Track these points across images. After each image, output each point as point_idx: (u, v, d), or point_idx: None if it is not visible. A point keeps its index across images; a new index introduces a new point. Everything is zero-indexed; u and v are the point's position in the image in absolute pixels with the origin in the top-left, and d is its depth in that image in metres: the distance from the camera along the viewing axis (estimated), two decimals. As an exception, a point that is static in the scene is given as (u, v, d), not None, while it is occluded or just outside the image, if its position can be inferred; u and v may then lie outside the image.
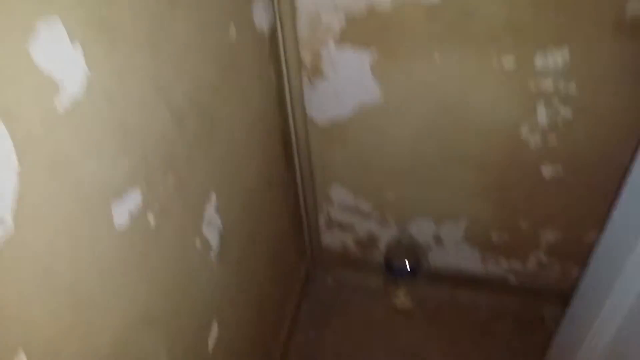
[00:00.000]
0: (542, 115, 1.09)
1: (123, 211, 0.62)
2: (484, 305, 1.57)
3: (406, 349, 1.48)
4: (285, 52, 1.10)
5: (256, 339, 1.23)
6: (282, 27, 1.06)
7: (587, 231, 1.30)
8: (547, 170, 1.19)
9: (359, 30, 1.06)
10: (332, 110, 1.21)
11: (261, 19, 1.02)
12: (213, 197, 0.87)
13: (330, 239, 1.56)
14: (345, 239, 1.54)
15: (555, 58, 1.00)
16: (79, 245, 0.56)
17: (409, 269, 1.43)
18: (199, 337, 0.91)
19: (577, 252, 1.37)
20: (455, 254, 1.48)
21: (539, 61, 1.01)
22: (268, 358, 1.35)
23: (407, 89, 1.13)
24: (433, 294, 1.59)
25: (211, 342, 0.95)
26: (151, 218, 0.68)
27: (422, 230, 1.44)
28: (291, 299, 1.50)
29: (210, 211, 0.87)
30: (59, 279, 0.53)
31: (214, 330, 0.96)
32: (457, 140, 1.20)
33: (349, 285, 1.64)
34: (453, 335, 1.50)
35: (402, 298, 1.53)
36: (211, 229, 0.88)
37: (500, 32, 1.00)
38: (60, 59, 0.49)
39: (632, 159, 0.73)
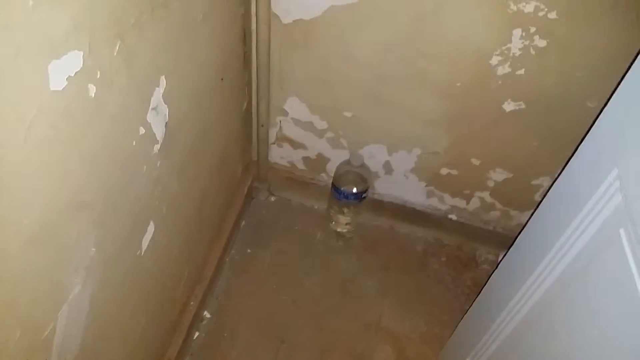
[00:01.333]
0: (516, 43, 1.04)
1: (60, 74, 0.52)
2: (421, 240, 1.58)
3: (341, 274, 1.47)
4: None
5: (192, 248, 1.17)
6: None
7: (537, 176, 1.30)
8: (510, 105, 1.16)
9: None
10: (300, 8, 1.10)
11: None
12: (162, 82, 0.77)
13: (279, 155, 1.49)
14: (294, 157, 1.48)
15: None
16: (6, 105, 0.46)
17: (355, 194, 1.40)
18: (132, 235, 0.83)
19: (522, 197, 1.38)
20: (402, 185, 1.46)
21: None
22: (201, 270, 1.29)
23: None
24: (374, 223, 1.58)
25: (145, 243, 0.88)
26: (91, 87, 0.58)
27: (374, 156, 1.40)
28: (232, 212, 1.44)
29: (158, 97, 0.77)
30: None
31: (150, 231, 0.89)
32: (424, 59, 1.13)
33: (292, 206, 1.60)
34: (388, 266, 1.51)
35: (343, 223, 1.51)
36: (157, 119, 0.79)
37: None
38: None
39: (604, 106, 0.69)
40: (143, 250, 0.88)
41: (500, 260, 0.98)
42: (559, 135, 1.19)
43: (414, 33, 1.09)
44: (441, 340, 1.36)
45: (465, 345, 1.14)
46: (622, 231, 0.61)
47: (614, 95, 0.65)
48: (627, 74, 0.62)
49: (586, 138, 0.71)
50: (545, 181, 1.31)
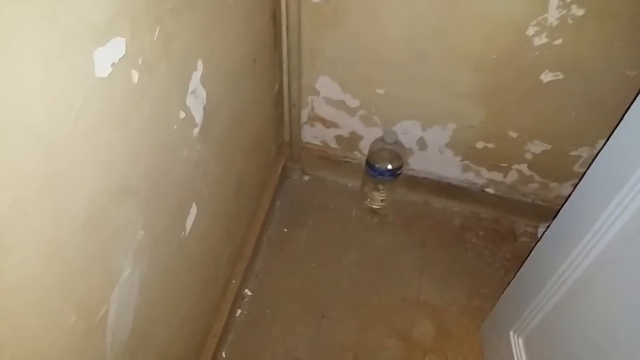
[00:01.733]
0: (552, 12, 1.01)
1: (105, 61, 0.53)
2: (458, 214, 1.57)
3: (377, 250, 1.48)
4: None
5: (231, 228, 1.20)
6: None
7: (576, 147, 1.27)
8: (547, 76, 1.13)
9: None
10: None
11: None
12: (200, 65, 0.78)
13: (312, 135, 1.49)
14: (327, 136, 1.48)
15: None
16: (56, 94, 0.47)
17: (389, 170, 1.39)
18: (177, 217, 0.85)
19: (561, 168, 1.35)
20: (437, 161, 1.45)
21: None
22: (240, 249, 1.32)
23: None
24: (409, 199, 1.58)
25: (188, 225, 0.90)
26: (134, 73, 0.59)
27: (407, 133, 1.39)
28: (267, 192, 1.45)
29: (196, 80, 0.78)
30: (33, 129, 0.45)
31: (193, 213, 0.90)
32: (457, 33, 1.11)
33: (326, 184, 1.61)
34: (425, 241, 1.51)
35: (378, 200, 1.51)
36: (196, 102, 0.80)
37: None
38: None
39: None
40: (187, 232, 0.90)
41: (544, 231, 0.97)
42: (598, 105, 1.16)
43: (447, 5, 1.07)
44: (482, 313, 1.35)
45: (508, 317, 1.13)
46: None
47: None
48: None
49: (633, 105, 0.69)
50: (584, 152, 1.28)
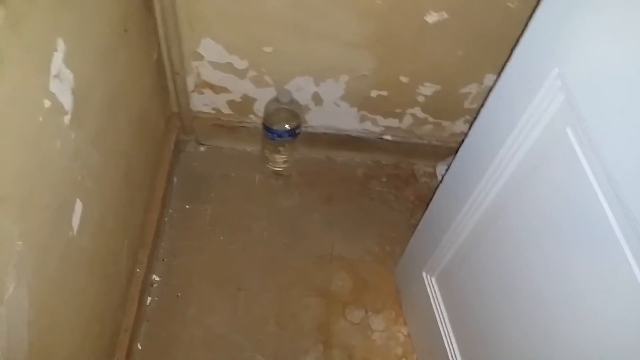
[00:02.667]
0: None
1: None
2: (360, 165, 1.58)
3: (286, 212, 1.46)
4: None
5: (126, 216, 1.10)
6: None
7: (465, 85, 1.31)
8: (432, 17, 1.13)
9: None
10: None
11: None
12: (61, 45, 0.68)
13: (202, 102, 1.40)
14: (218, 102, 1.40)
15: None
16: None
17: (288, 131, 1.35)
18: (60, 218, 0.76)
19: (452, 107, 1.39)
20: (334, 114, 1.43)
21: None
22: (140, 236, 1.23)
23: None
24: (311, 156, 1.56)
25: (75, 223, 0.81)
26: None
27: (301, 89, 1.34)
28: (161, 170, 1.36)
29: (58, 62, 0.68)
30: None
31: (78, 209, 0.81)
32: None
33: (224, 153, 1.54)
34: (331, 196, 1.50)
35: (280, 162, 1.47)
36: (62, 87, 0.70)
37: None
38: None
39: (535, 6, 0.67)
40: (75, 231, 0.81)
41: (446, 170, 0.99)
42: (483, 41, 1.18)
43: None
44: (394, 258, 1.39)
45: (419, 259, 1.17)
46: (568, 130, 0.62)
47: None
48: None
49: (521, 40, 0.70)
50: (473, 89, 1.32)
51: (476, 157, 0.86)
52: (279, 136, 1.35)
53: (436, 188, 1.06)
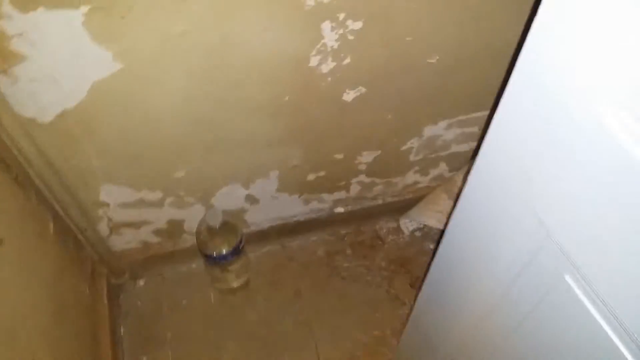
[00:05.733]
0: (329, 35, 0.86)
1: None
2: (319, 243, 1.43)
3: (255, 326, 1.29)
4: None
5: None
6: None
7: (405, 142, 1.19)
8: (349, 95, 1.00)
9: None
10: (56, 100, 0.82)
11: None
12: None
13: (124, 241, 1.21)
14: (143, 236, 1.22)
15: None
16: None
17: (229, 253, 1.17)
18: None
19: (398, 164, 1.27)
20: (275, 206, 1.27)
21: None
22: None
23: (152, 47, 0.79)
24: (264, 251, 1.40)
25: None
26: None
27: (231, 195, 1.18)
28: (102, 331, 1.16)
29: None
30: None
31: None
32: (239, 89, 0.91)
33: (167, 279, 1.35)
34: (299, 289, 1.35)
35: (232, 279, 1.30)
36: None
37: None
38: None
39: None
40: None
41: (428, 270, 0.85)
42: (410, 99, 1.06)
43: (215, 75, 0.86)
44: (386, 342, 1.26)
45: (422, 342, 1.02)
46: (567, 277, 0.49)
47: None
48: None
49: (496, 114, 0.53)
50: (414, 142, 1.20)
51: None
52: (221, 259, 1.18)
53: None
